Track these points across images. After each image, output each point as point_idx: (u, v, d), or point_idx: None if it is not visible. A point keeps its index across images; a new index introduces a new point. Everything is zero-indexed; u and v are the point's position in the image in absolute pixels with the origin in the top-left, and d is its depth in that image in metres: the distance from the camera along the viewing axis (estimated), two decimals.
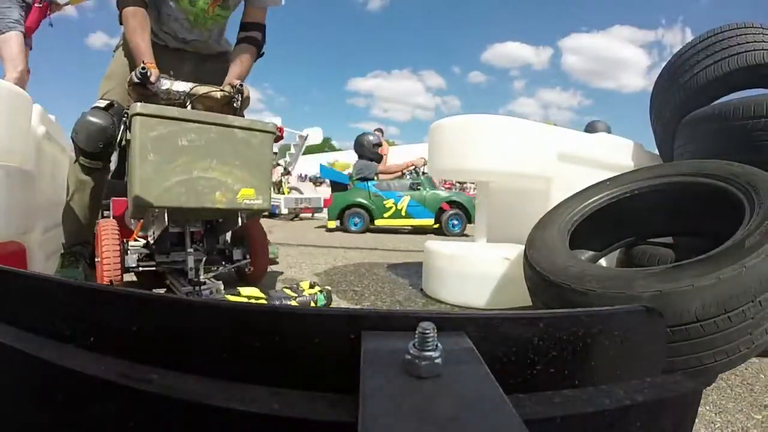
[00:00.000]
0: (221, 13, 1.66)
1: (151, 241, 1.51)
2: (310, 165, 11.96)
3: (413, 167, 5.42)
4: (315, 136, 8.70)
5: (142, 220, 1.50)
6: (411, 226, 5.20)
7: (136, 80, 1.33)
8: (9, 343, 0.31)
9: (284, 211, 6.62)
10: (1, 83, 1.30)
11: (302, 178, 11.90)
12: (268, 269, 1.96)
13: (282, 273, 2.28)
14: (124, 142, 1.39)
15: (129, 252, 1.50)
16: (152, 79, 1.34)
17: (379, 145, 5.42)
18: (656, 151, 2.19)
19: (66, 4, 2.86)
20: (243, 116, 1.55)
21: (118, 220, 1.60)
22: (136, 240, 1.67)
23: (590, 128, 3.91)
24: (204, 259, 1.49)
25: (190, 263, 1.43)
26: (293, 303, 1.41)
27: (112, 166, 1.60)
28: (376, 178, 5.29)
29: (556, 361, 0.32)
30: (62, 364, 0.29)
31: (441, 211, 5.11)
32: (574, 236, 1.36)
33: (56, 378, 0.30)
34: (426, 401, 0.24)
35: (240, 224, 1.42)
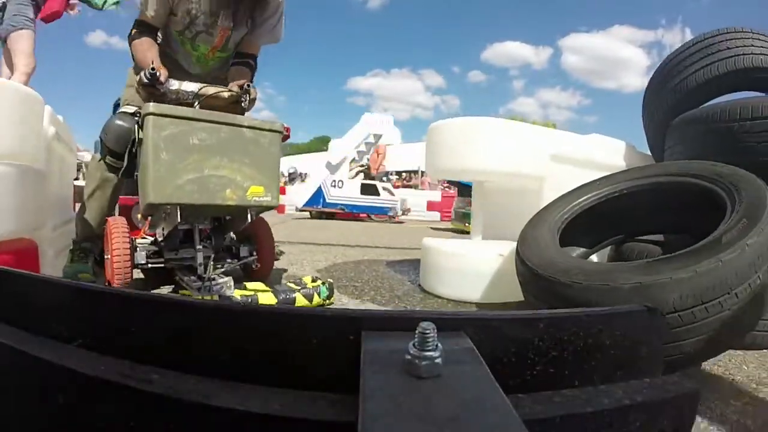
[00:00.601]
0: (221, 55, 1.73)
1: (160, 239, 1.54)
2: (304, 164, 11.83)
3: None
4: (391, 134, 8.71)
5: (150, 218, 1.54)
6: None
7: (145, 80, 1.35)
8: (9, 343, 0.31)
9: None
10: (17, 86, 1.34)
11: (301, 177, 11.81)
12: None
13: (285, 270, 2.33)
14: (135, 141, 1.42)
15: (138, 249, 1.53)
16: (162, 79, 1.37)
17: None
18: (650, 152, 2.25)
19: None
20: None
21: (125, 218, 1.64)
22: (143, 237, 1.71)
23: None
24: (212, 255, 1.52)
25: (200, 260, 1.46)
26: (297, 295, 1.45)
27: None
28: None
29: (556, 361, 0.32)
30: (63, 364, 0.30)
31: None
32: (565, 234, 1.41)
33: (57, 378, 0.30)
34: (426, 401, 0.24)
35: (249, 221, 1.46)
